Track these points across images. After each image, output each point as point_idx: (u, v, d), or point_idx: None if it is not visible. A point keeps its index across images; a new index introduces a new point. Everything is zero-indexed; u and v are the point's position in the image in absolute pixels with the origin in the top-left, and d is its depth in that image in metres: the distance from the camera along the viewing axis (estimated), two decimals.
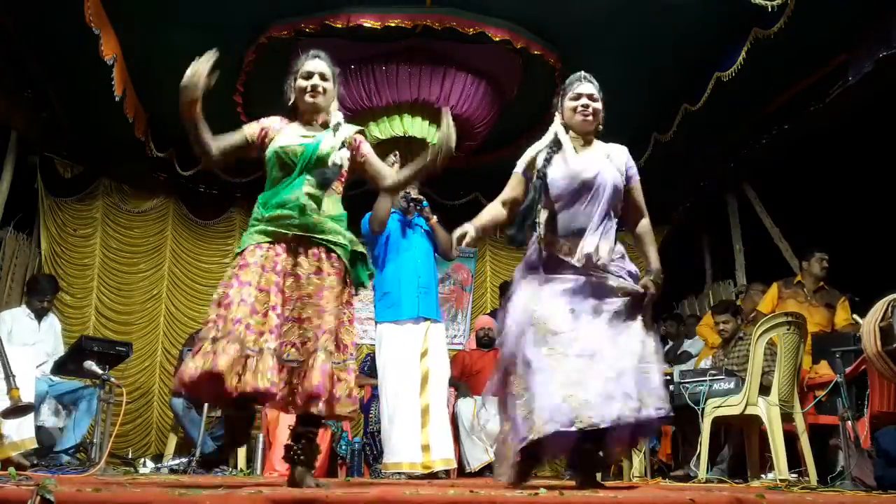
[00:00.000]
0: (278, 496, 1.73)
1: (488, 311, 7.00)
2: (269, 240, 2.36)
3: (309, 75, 2.57)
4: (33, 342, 4.64)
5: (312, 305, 2.32)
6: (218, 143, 2.55)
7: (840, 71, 4.52)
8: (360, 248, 2.49)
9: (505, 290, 6.42)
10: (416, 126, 4.90)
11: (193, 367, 2.17)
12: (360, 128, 2.64)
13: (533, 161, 2.78)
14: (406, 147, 5.30)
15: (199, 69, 2.45)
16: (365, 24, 4.35)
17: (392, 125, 4.87)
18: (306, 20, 4.41)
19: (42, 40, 4.66)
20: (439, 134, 2.44)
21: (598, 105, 2.78)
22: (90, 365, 3.97)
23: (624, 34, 4.53)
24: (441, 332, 4.16)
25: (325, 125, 2.57)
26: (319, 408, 2.28)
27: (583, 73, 2.83)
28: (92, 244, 6.49)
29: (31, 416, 3.84)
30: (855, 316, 4.16)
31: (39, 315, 4.88)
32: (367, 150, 2.60)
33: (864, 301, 3.22)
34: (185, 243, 6.82)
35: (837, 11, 4.08)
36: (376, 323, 4.12)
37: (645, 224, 2.86)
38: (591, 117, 2.75)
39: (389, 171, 2.63)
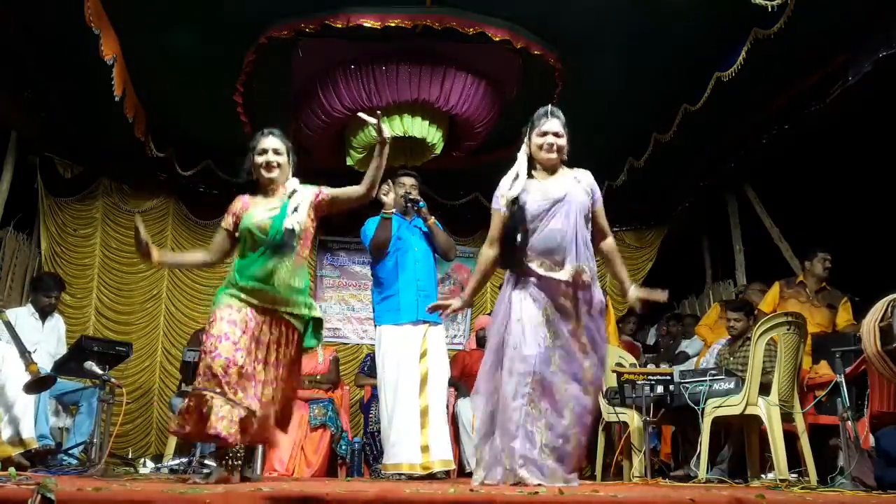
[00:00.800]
0: (278, 495, 1.73)
1: (488, 311, 6.99)
2: (240, 303, 2.79)
3: (263, 152, 2.91)
4: (36, 342, 4.64)
5: (276, 368, 2.83)
6: (212, 252, 3.00)
7: (840, 71, 4.51)
8: (316, 314, 2.92)
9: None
10: (416, 126, 4.90)
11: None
12: (317, 187, 2.98)
13: (508, 197, 3.01)
14: (406, 147, 5.31)
15: (136, 239, 2.83)
16: (365, 24, 4.35)
17: (392, 125, 4.86)
18: (306, 20, 4.40)
19: (42, 40, 4.66)
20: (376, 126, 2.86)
21: (563, 141, 2.99)
22: (90, 365, 3.96)
23: (624, 34, 4.52)
24: (440, 333, 4.15)
25: (284, 193, 2.92)
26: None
27: (549, 108, 3.04)
28: (92, 244, 6.49)
29: (31, 416, 3.84)
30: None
31: (44, 315, 4.88)
32: (327, 192, 2.95)
33: (865, 301, 3.22)
34: (185, 243, 6.82)
35: (837, 11, 4.08)
36: (376, 325, 4.12)
37: (610, 242, 3.11)
38: (554, 154, 2.98)
39: (354, 188, 2.95)
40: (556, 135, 2.96)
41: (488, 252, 3.06)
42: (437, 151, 5.23)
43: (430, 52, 4.71)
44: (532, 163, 3.02)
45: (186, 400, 2.73)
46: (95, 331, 6.25)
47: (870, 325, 2.84)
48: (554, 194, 2.91)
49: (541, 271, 2.86)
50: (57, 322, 5.07)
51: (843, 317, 4.86)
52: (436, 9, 4.39)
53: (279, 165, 2.91)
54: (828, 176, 5.26)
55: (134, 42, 4.54)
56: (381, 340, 4.05)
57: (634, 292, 2.98)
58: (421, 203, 4.15)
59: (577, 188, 2.95)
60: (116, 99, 4.56)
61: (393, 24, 4.35)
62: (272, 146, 2.91)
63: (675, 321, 6.71)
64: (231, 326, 2.72)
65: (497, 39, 4.50)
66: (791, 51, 4.37)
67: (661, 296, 3.01)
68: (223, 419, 2.60)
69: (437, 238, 4.19)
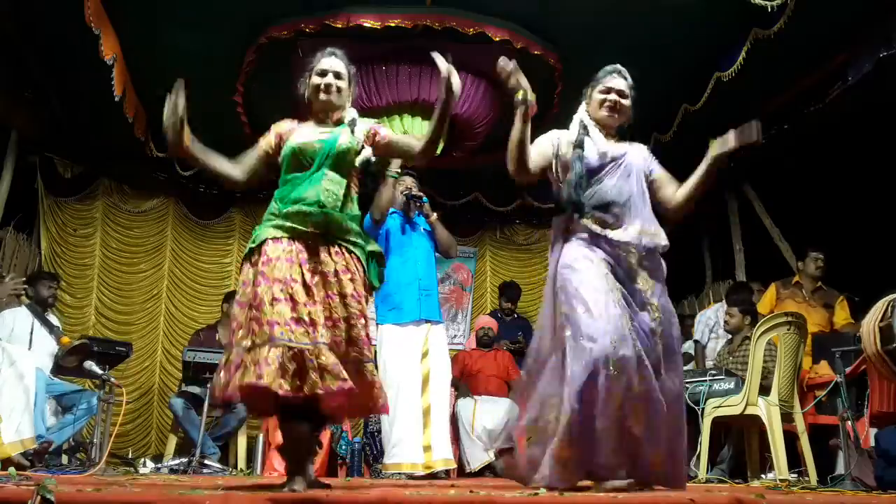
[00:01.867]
0: (278, 496, 1.73)
1: (488, 311, 7.00)
2: (286, 235, 2.31)
3: (323, 73, 2.53)
4: (34, 341, 4.64)
5: (348, 307, 2.28)
6: (242, 168, 2.54)
7: (840, 71, 4.51)
8: (375, 248, 2.48)
9: (504, 290, 6.47)
10: (416, 126, 4.90)
11: (229, 381, 2.14)
12: (375, 120, 2.63)
13: (553, 141, 2.66)
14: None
15: (173, 105, 2.42)
16: (365, 24, 4.35)
17: (392, 125, 4.87)
18: (306, 20, 4.40)
19: (42, 40, 4.66)
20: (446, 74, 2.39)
21: (627, 102, 2.68)
22: (90, 365, 3.97)
23: (624, 34, 4.52)
24: (442, 333, 4.17)
25: (339, 123, 2.54)
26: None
27: (618, 66, 2.73)
28: (92, 244, 6.48)
29: (32, 416, 3.85)
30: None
31: (43, 310, 4.89)
32: (385, 132, 2.57)
33: (864, 301, 3.22)
34: (185, 243, 6.82)
35: (837, 11, 4.08)
36: (377, 324, 4.11)
37: (680, 187, 2.75)
38: (616, 114, 2.67)
39: (415, 139, 2.59)
40: (621, 94, 2.65)
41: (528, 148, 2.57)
42: (437, 151, 5.22)
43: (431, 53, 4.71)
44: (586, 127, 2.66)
45: (225, 358, 2.25)
46: (95, 331, 6.24)
47: (870, 325, 2.84)
48: (612, 151, 2.59)
49: (596, 228, 2.46)
50: (53, 320, 5.07)
51: (841, 315, 4.87)
52: (436, 9, 4.39)
53: (339, 90, 2.52)
54: (828, 176, 5.25)
55: (134, 42, 4.55)
56: (383, 340, 4.05)
57: (719, 146, 2.66)
58: (423, 199, 4.18)
59: (635, 151, 2.67)
60: (116, 99, 4.56)
61: (393, 24, 4.35)
62: (333, 68, 2.53)
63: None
64: (275, 266, 2.23)
65: (497, 39, 4.50)
66: (791, 51, 4.37)
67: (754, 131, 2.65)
68: (268, 366, 2.09)
69: (438, 235, 4.20)
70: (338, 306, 2.26)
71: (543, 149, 2.63)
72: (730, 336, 4.79)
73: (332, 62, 2.55)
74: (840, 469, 3.79)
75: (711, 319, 5.75)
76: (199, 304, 6.72)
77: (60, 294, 5.93)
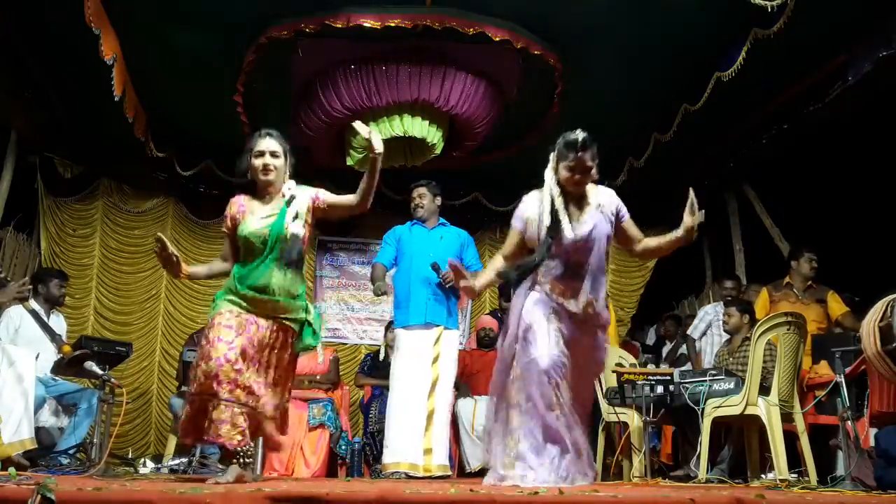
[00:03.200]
0: (278, 495, 1.73)
1: (488, 311, 7.00)
2: (239, 308, 2.79)
3: (260, 154, 2.87)
4: (40, 340, 4.65)
5: (270, 370, 2.84)
6: (228, 257, 2.96)
7: (840, 71, 4.51)
8: (311, 318, 2.92)
9: (503, 290, 6.47)
10: (416, 126, 4.90)
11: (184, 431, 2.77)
12: (314, 190, 2.95)
13: (529, 218, 2.97)
14: (406, 147, 5.32)
15: (165, 259, 2.81)
16: (365, 24, 4.35)
17: (392, 125, 4.87)
18: (306, 20, 4.40)
19: (42, 40, 4.66)
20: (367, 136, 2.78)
21: (593, 171, 2.93)
22: (90, 365, 3.96)
23: (624, 34, 4.52)
24: (454, 339, 4.26)
25: (282, 196, 2.88)
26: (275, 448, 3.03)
27: (581, 140, 2.87)
28: (91, 244, 6.49)
29: (32, 416, 3.84)
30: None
31: (48, 311, 4.89)
32: (323, 197, 2.93)
33: (865, 301, 3.22)
34: (184, 243, 6.82)
35: (837, 11, 4.08)
36: (394, 327, 4.29)
37: (644, 242, 3.11)
38: (583, 184, 2.94)
39: (351, 197, 2.90)
40: (586, 171, 2.90)
41: (500, 261, 3.07)
42: (437, 151, 5.24)
43: (430, 52, 4.71)
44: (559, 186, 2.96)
45: (188, 407, 2.74)
46: (94, 331, 6.25)
47: (870, 325, 2.84)
48: (581, 231, 2.89)
49: (554, 296, 2.91)
50: (59, 319, 5.08)
51: (835, 307, 4.86)
52: (436, 9, 4.39)
53: (276, 168, 2.87)
54: (828, 176, 5.26)
55: (134, 42, 4.55)
56: (396, 342, 4.23)
57: (682, 228, 2.97)
58: (449, 284, 4.15)
59: (602, 221, 2.94)
60: (116, 99, 4.56)
61: (393, 24, 4.35)
62: (269, 148, 2.87)
63: (672, 321, 6.72)
64: (226, 330, 2.71)
65: (497, 39, 4.50)
66: (791, 51, 4.37)
67: (692, 199, 3.04)
68: (224, 424, 2.61)
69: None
70: (271, 370, 2.84)
71: (515, 242, 3.02)
72: (728, 336, 4.79)
73: (267, 143, 2.88)
74: (840, 469, 3.79)
75: (709, 314, 5.76)
76: (197, 305, 6.72)
77: None
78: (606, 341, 3.09)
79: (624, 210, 3.06)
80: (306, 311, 2.93)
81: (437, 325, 4.16)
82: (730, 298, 5.34)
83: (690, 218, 2.97)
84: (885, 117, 4.57)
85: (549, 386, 2.77)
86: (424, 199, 4.40)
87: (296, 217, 2.82)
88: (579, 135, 2.86)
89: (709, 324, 5.72)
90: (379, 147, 2.78)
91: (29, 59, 4.85)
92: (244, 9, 4.38)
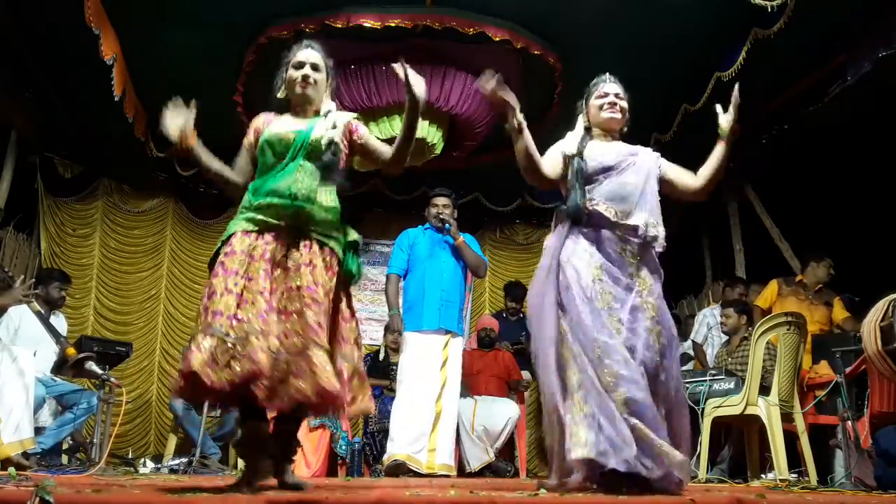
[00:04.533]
0: (278, 496, 1.73)
1: (488, 311, 7.00)
2: (256, 228, 2.25)
3: (300, 65, 2.48)
4: (40, 339, 4.64)
5: (301, 298, 2.16)
6: (239, 172, 2.48)
7: (840, 71, 4.51)
8: (354, 237, 2.42)
9: (509, 289, 6.46)
10: None
11: (179, 368, 2.07)
12: (353, 115, 2.54)
13: (563, 152, 2.66)
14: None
15: (180, 123, 2.41)
16: (365, 24, 4.35)
17: (392, 125, 4.87)
18: (306, 20, 4.40)
19: (42, 40, 4.65)
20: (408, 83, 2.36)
21: (625, 104, 2.75)
22: (90, 365, 3.96)
23: (624, 34, 4.52)
24: (460, 345, 4.31)
25: (317, 115, 2.47)
26: (329, 410, 2.16)
27: (608, 74, 2.81)
28: (91, 244, 6.49)
29: (32, 416, 3.84)
30: None
31: (48, 312, 4.89)
32: (363, 132, 2.50)
33: (865, 301, 3.22)
34: (184, 243, 6.82)
35: (837, 11, 4.08)
36: (404, 330, 4.30)
37: (698, 173, 2.84)
38: (618, 114, 2.72)
39: (388, 148, 2.47)
40: (618, 96, 2.73)
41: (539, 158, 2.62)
42: (437, 151, 5.23)
43: (430, 52, 4.71)
44: (589, 133, 2.73)
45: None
46: (94, 331, 6.25)
47: (870, 325, 2.84)
48: (623, 150, 2.68)
49: (609, 216, 2.52)
50: (60, 319, 5.07)
51: (837, 311, 4.91)
52: (436, 9, 4.39)
53: (315, 82, 2.46)
54: (828, 176, 5.25)
55: (134, 42, 4.54)
56: (405, 345, 4.24)
57: (722, 128, 2.89)
58: (447, 225, 4.29)
59: (646, 154, 2.74)
60: (116, 99, 4.56)
61: (393, 24, 4.35)
62: (311, 59, 2.47)
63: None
64: (230, 296, 2.14)
65: (497, 39, 4.50)
66: (791, 51, 4.37)
67: (735, 95, 2.92)
68: (202, 354, 2.02)
69: (465, 256, 4.34)
70: (295, 298, 2.17)
71: (555, 157, 2.67)
72: (727, 336, 4.79)
73: (308, 54, 2.49)
74: (840, 469, 3.79)
75: (708, 317, 5.76)
76: (197, 305, 6.69)
77: None
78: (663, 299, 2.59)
79: (664, 161, 2.81)
80: (346, 231, 2.41)
81: (448, 332, 4.21)
82: (726, 299, 5.34)
83: (726, 117, 2.88)
84: (885, 117, 4.57)
85: (601, 359, 2.32)
86: (447, 209, 4.40)
87: (334, 127, 2.37)
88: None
89: (709, 326, 5.72)
90: (420, 90, 2.36)
91: (29, 59, 4.85)
92: (244, 9, 4.38)
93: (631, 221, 2.53)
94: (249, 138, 2.50)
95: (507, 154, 5.84)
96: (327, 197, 2.33)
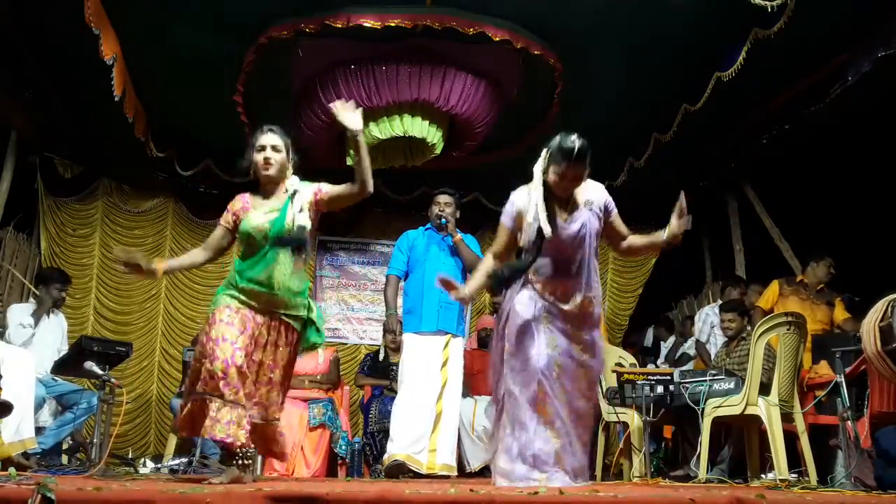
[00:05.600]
0: (278, 494, 1.73)
1: (488, 311, 6.99)
2: (240, 304, 2.78)
3: (262, 149, 2.87)
4: (41, 337, 4.65)
5: (266, 371, 2.82)
6: (211, 249, 2.96)
7: (840, 71, 4.51)
8: (314, 316, 2.92)
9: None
10: (416, 126, 4.90)
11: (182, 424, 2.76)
12: (316, 184, 2.93)
13: (519, 214, 2.91)
14: (406, 147, 5.31)
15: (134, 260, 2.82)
16: (365, 24, 4.34)
17: (392, 125, 4.87)
18: (306, 20, 4.40)
19: (42, 40, 4.65)
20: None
21: (584, 175, 2.86)
22: (90, 365, 3.96)
23: (624, 34, 4.52)
24: (460, 346, 4.30)
25: (286, 192, 2.88)
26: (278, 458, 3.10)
27: (577, 147, 2.74)
28: (91, 244, 6.48)
29: (32, 416, 3.84)
30: None
31: (48, 311, 4.89)
32: (326, 189, 2.91)
33: (865, 301, 3.22)
34: (184, 243, 6.81)
35: (837, 11, 4.07)
36: (403, 331, 4.31)
37: (630, 239, 3.08)
38: (571, 190, 2.88)
39: (348, 185, 2.86)
40: (577, 179, 2.83)
41: (491, 261, 3.02)
42: (437, 151, 5.24)
43: (430, 52, 4.71)
44: (547, 185, 2.88)
45: (189, 404, 2.73)
46: (94, 331, 6.25)
47: (870, 325, 2.85)
48: (570, 229, 2.86)
49: (546, 295, 2.88)
50: (60, 318, 5.08)
51: (838, 312, 4.91)
52: (436, 9, 4.38)
53: (276, 162, 2.87)
54: (828, 176, 5.25)
55: (134, 42, 4.54)
56: (405, 347, 4.26)
57: (668, 232, 2.97)
58: (443, 220, 4.29)
59: (591, 217, 2.89)
60: (116, 99, 4.56)
61: (393, 24, 4.34)
62: (270, 143, 2.88)
63: (662, 325, 6.74)
64: (229, 328, 2.70)
65: (497, 39, 4.49)
66: (791, 51, 4.37)
67: (682, 202, 3.00)
68: (224, 423, 2.60)
69: (462, 255, 4.34)
70: (265, 371, 2.82)
71: (505, 241, 2.99)
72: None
73: (268, 138, 2.89)
74: (840, 469, 3.79)
75: (710, 316, 5.77)
76: (197, 305, 6.71)
77: None
78: (601, 339, 3.05)
79: (613, 205, 3.00)
80: (308, 308, 2.92)
81: (447, 333, 4.21)
82: (725, 301, 5.34)
83: (677, 223, 2.96)
84: (885, 117, 4.57)
85: (537, 386, 2.78)
86: (449, 208, 4.37)
87: (301, 210, 2.82)
88: (576, 143, 2.73)
89: (712, 325, 5.73)
90: (354, 126, 2.77)
91: (29, 59, 4.85)
92: (244, 9, 4.38)
93: (566, 306, 2.89)
94: (228, 220, 2.94)
95: (507, 154, 5.87)
96: (299, 284, 2.86)
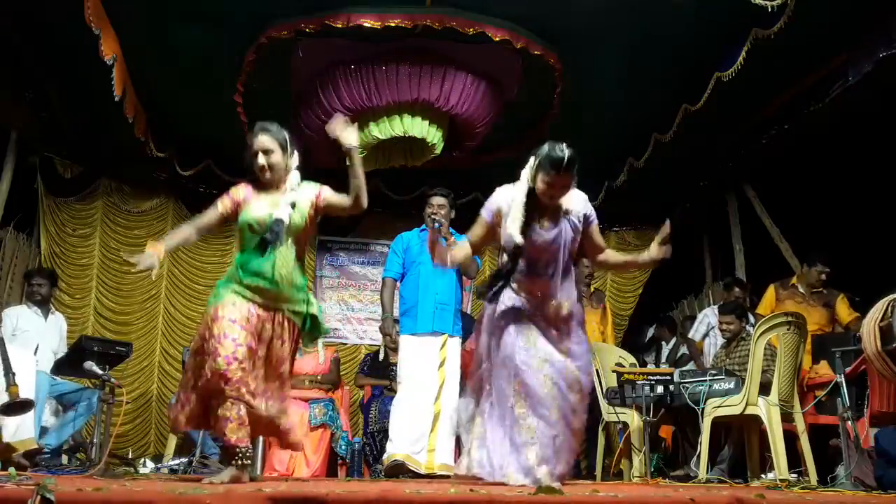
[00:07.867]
0: (278, 495, 1.73)
1: None
2: (242, 299, 2.76)
3: (255, 154, 2.85)
4: (38, 339, 4.64)
5: (276, 366, 2.83)
6: (201, 227, 2.97)
7: (840, 71, 4.51)
8: (314, 311, 2.90)
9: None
10: (416, 126, 4.90)
11: (177, 417, 2.81)
12: (318, 187, 2.93)
13: (499, 211, 3.01)
14: (406, 147, 5.31)
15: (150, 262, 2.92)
16: (365, 24, 4.34)
17: (392, 125, 4.87)
18: (306, 20, 4.40)
19: (42, 40, 4.65)
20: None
21: (571, 185, 2.89)
22: (90, 365, 3.96)
23: (624, 34, 4.52)
24: (457, 346, 4.30)
25: (286, 186, 2.88)
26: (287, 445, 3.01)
27: (566, 157, 2.77)
28: (91, 244, 6.48)
29: (32, 415, 3.84)
30: None
31: (44, 309, 4.89)
32: (326, 194, 2.91)
33: (865, 301, 3.22)
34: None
35: (837, 11, 4.07)
36: (400, 333, 4.31)
37: (608, 253, 3.17)
38: (556, 200, 2.91)
39: (346, 197, 2.88)
40: (563, 188, 2.86)
41: (468, 245, 3.13)
42: (437, 151, 5.24)
43: (430, 52, 4.71)
44: (532, 191, 2.93)
45: (187, 400, 2.74)
46: (94, 331, 6.24)
47: (870, 325, 2.84)
48: (546, 236, 2.91)
49: (524, 295, 2.96)
50: (59, 319, 5.07)
51: (844, 312, 4.89)
52: (436, 9, 4.38)
53: (271, 166, 2.84)
54: (828, 176, 5.25)
55: (134, 42, 4.54)
56: (401, 348, 4.26)
57: (651, 251, 2.97)
58: (437, 225, 4.24)
59: (567, 227, 2.94)
60: (116, 99, 4.56)
61: (393, 24, 4.34)
62: (262, 147, 2.84)
63: (665, 326, 6.75)
64: (232, 324, 2.68)
65: (497, 39, 4.49)
66: (791, 51, 4.36)
67: (666, 228, 2.98)
68: (230, 422, 2.62)
69: None
70: (274, 366, 2.82)
71: (482, 233, 3.12)
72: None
73: (260, 141, 2.84)
74: (840, 469, 3.80)
75: (709, 317, 5.77)
76: (197, 305, 6.70)
77: (59, 294, 5.93)
78: (586, 340, 3.06)
79: (594, 217, 3.04)
80: (308, 303, 2.91)
81: (443, 333, 4.22)
82: (723, 303, 5.34)
83: (657, 249, 2.97)
84: (886, 117, 4.57)
85: (514, 380, 2.85)
86: (443, 210, 4.35)
87: (292, 206, 2.82)
88: (565, 153, 2.76)
89: (710, 326, 5.73)
90: (350, 142, 2.83)
91: (29, 59, 4.85)
92: (244, 9, 4.38)
93: (542, 311, 2.97)
94: (226, 205, 2.92)
95: (507, 154, 5.86)
96: (299, 276, 2.86)
